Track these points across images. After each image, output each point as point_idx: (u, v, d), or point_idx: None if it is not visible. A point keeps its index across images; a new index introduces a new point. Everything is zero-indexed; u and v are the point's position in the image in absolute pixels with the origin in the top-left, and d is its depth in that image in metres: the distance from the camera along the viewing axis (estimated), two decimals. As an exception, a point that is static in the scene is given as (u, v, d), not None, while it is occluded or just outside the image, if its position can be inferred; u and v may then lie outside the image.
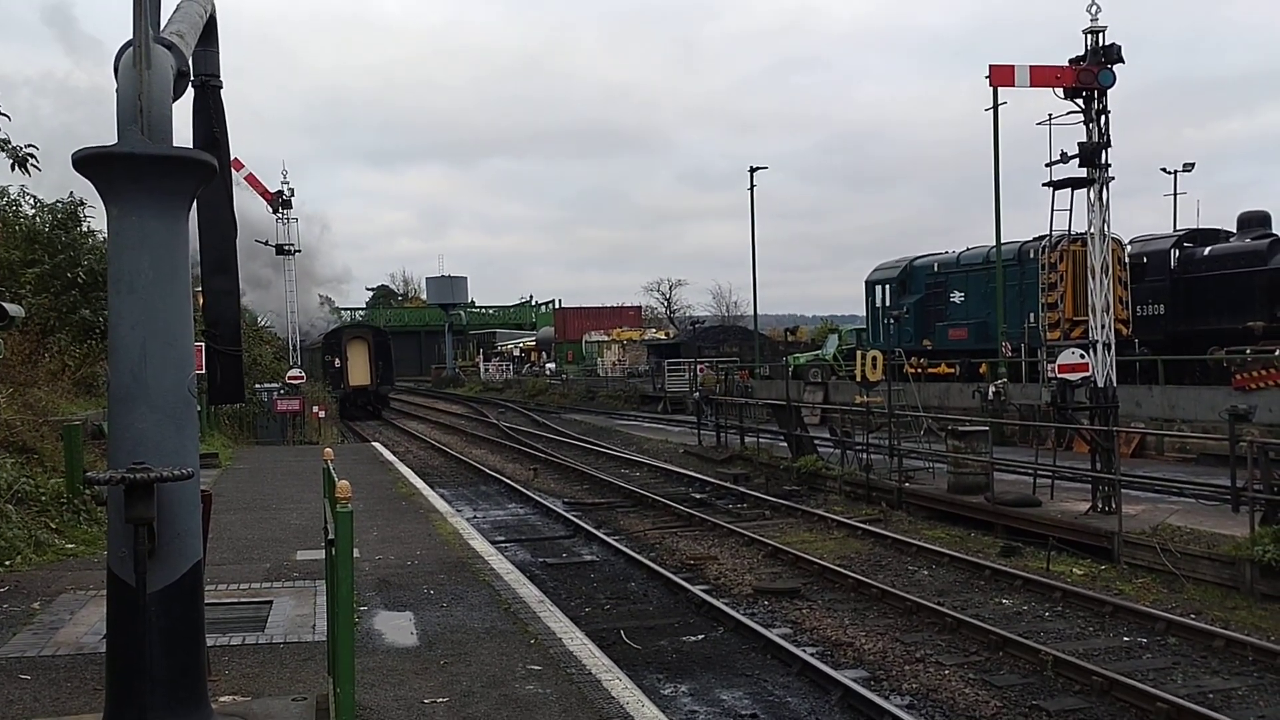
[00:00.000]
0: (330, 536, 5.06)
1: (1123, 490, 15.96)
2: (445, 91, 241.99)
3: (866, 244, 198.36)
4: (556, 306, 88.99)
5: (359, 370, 49.12)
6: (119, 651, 5.28)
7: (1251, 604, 12.37)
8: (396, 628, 8.88)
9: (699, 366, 43.81)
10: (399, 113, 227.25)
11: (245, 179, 40.55)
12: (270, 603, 9.62)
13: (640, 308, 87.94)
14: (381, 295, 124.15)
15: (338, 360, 49.21)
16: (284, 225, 41.19)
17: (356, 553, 11.82)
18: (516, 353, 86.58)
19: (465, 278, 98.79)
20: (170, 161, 5.30)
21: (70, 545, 12.36)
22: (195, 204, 6.30)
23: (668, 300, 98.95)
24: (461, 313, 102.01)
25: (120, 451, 5.23)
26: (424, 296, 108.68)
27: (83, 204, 25.77)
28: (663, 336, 68.03)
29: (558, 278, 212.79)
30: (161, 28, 5.71)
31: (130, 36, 5.26)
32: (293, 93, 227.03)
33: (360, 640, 8.36)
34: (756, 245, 48.89)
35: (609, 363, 66.30)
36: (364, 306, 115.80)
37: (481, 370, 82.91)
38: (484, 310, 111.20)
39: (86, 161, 5.28)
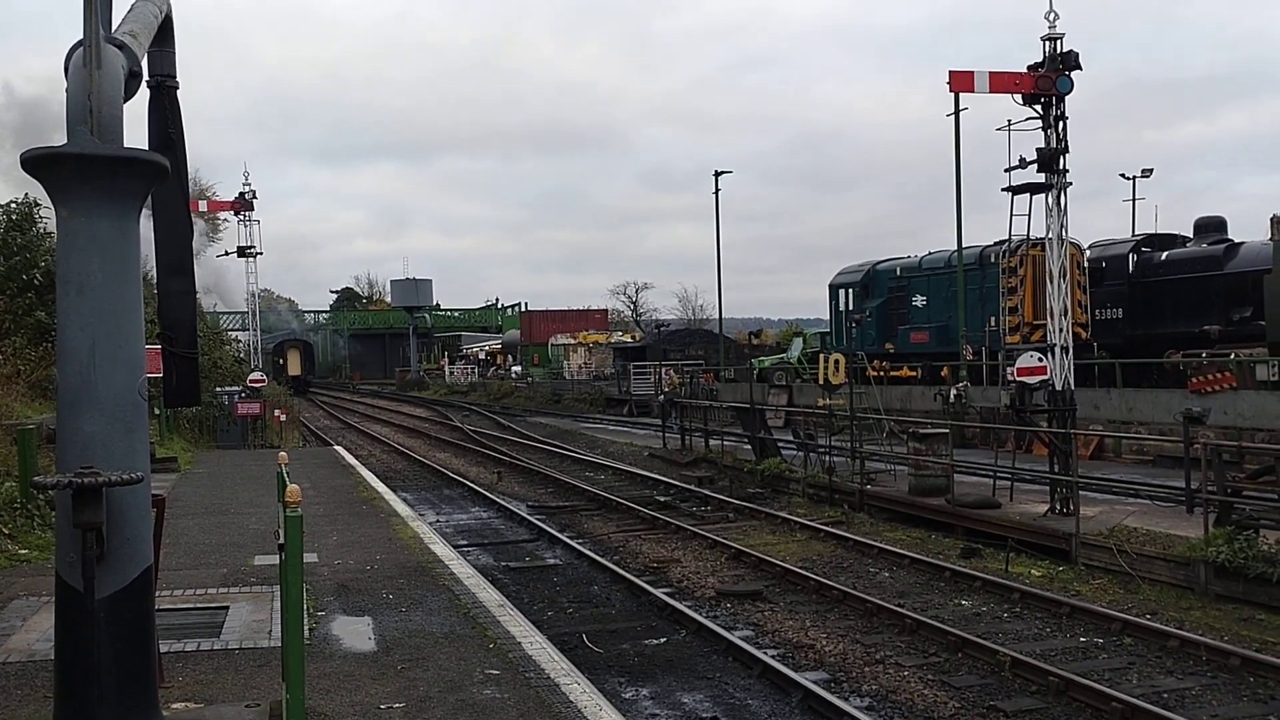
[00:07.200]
0: (280, 540, 5.01)
1: (1080, 492, 16.14)
2: (396, 87, 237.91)
3: (831, 246, 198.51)
4: (522, 309, 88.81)
5: (294, 366, 79.39)
6: (67, 658, 5.21)
7: (1205, 604, 12.55)
8: (354, 633, 8.81)
9: (664, 370, 43.90)
10: (348, 109, 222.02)
11: (208, 207, 42.72)
12: (226, 608, 9.52)
13: (606, 311, 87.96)
14: (346, 298, 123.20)
15: (281, 360, 77.57)
16: (246, 227, 40.76)
17: (315, 557, 11.81)
18: (482, 356, 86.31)
19: (430, 280, 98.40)
20: (120, 162, 5.23)
21: (24, 551, 12.18)
22: (151, 205, 6.24)
23: (634, 303, 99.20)
24: (426, 315, 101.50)
25: (68, 455, 5.16)
26: (389, 299, 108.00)
27: (38, 205, 25.43)
28: (629, 339, 68.01)
29: (522, 280, 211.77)
30: (115, 27, 5.65)
31: (81, 36, 5.20)
32: (237, 87, 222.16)
33: (317, 645, 8.31)
34: (721, 248, 49.13)
35: (575, 366, 66.27)
36: (328, 309, 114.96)
37: (447, 373, 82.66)
38: (449, 313, 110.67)
39: (35, 162, 5.20)
